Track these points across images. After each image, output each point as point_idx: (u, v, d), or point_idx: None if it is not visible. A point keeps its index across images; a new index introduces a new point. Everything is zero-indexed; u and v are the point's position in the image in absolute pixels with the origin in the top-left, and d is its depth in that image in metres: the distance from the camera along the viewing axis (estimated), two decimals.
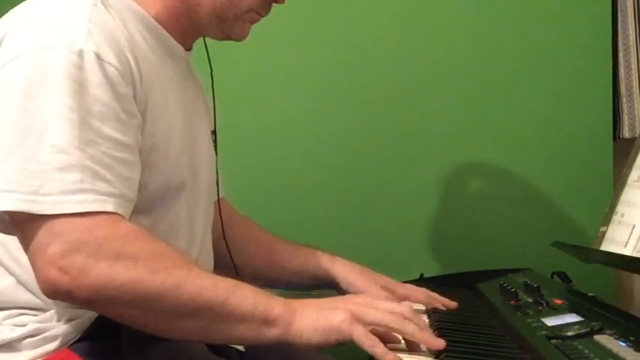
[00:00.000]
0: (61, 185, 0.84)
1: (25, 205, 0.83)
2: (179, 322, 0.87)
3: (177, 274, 0.86)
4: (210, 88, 1.21)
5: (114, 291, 0.83)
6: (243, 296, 0.88)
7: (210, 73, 1.20)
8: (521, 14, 1.78)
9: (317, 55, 1.79)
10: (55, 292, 0.84)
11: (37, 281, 0.85)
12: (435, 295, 1.26)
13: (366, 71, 1.78)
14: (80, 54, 0.88)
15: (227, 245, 1.24)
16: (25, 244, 0.86)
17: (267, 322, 0.87)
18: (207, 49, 1.18)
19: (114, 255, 0.84)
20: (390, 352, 0.86)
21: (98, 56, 0.89)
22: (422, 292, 1.27)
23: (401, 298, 1.23)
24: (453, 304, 1.23)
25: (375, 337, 0.88)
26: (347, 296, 0.97)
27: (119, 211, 0.87)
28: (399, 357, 0.85)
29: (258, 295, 0.89)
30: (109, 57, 0.90)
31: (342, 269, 1.28)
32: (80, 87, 0.87)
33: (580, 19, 1.76)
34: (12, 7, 0.98)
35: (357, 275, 1.27)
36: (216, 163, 1.20)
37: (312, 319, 0.88)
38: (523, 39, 1.78)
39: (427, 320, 1.09)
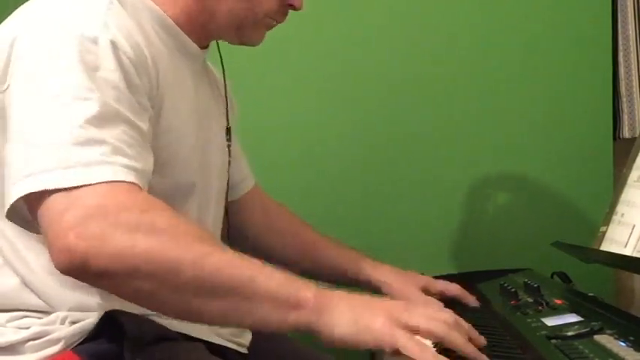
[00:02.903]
0: (83, 158, 0.81)
1: (47, 183, 0.80)
2: (200, 300, 0.81)
3: (201, 246, 0.82)
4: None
5: (133, 260, 0.78)
6: (271, 276, 0.83)
7: (222, 74, 1.21)
8: (521, 14, 1.78)
9: (326, 56, 1.79)
10: (70, 262, 0.79)
11: (51, 252, 0.80)
12: (466, 292, 1.29)
13: (370, 73, 1.78)
14: (95, 40, 0.88)
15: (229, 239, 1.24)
16: (42, 218, 0.82)
17: (296, 304, 0.82)
18: (219, 52, 1.18)
19: (134, 223, 0.80)
20: (439, 356, 0.82)
21: (114, 44, 0.89)
22: (456, 287, 1.30)
23: (437, 294, 1.26)
24: (477, 303, 1.27)
25: (422, 343, 0.83)
26: (384, 299, 0.93)
27: (140, 184, 0.85)
28: None
29: (286, 277, 0.84)
30: (125, 47, 0.90)
31: (384, 274, 1.30)
32: (94, 72, 0.86)
33: (580, 19, 1.76)
34: (12, 7, 0.98)
35: (399, 279, 1.29)
36: (229, 160, 1.20)
37: (350, 316, 0.84)
38: (523, 39, 1.78)
39: None
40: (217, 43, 1.17)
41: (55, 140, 0.82)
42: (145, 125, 0.90)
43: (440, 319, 0.88)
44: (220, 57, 1.19)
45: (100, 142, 0.83)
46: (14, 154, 0.85)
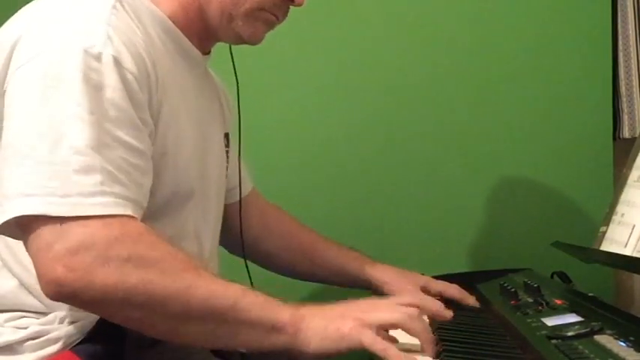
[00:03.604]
0: (80, 187, 0.82)
1: (43, 207, 0.81)
2: (187, 326, 0.86)
3: (188, 277, 0.86)
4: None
5: (124, 292, 0.81)
6: (252, 302, 0.88)
7: (235, 80, 1.21)
8: (521, 14, 1.78)
9: (327, 57, 1.79)
10: (59, 293, 0.81)
11: (40, 281, 0.82)
12: (466, 293, 1.30)
13: (371, 73, 1.79)
14: (98, 57, 0.87)
15: (243, 246, 1.26)
16: (30, 244, 0.83)
17: (275, 328, 0.87)
18: (232, 55, 1.18)
19: (125, 255, 0.82)
20: (403, 353, 0.86)
21: (117, 60, 0.88)
22: (455, 289, 1.31)
23: (435, 295, 1.26)
24: (477, 303, 1.28)
25: (385, 340, 0.88)
26: (351, 302, 0.96)
27: (133, 214, 0.86)
28: (413, 357, 0.85)
29: (266, 302, 0.89)
30: (128, 63, 0.89)
31: (385, 273, 1.32)
32: (97, 90, 0.86)
33: (580, 19, 1.76)
34: (12, 7, 0.98)
35: (399, 279, 1.31)
36: (239, 164, 1.20)
37: (322, 328, 0.88)
38: (523, 39, 1.78)
39: (427, 319, 1.09)
40: (230, 48, 1.17)
41: (55, 163, 0.82)
42: (143, 144, 0.90)
43: (402, 312, 0.92)
44: (233, 62, 1.19)
45: (98, 169, 0.83)
46: (10, 168, 0.84)
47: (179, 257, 0.87)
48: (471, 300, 1.29)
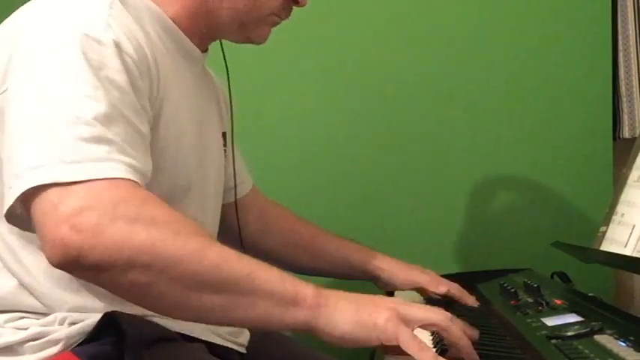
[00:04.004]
0: (89, 155, 0.80)
1: (51, 176, 0.78)
2: (199, 294, 0.79)
3: (200, 239, 0.80)
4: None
5: (130, 251, 0.76)
6: (269, 272, 0.82)
7: (227, 76, 1.21)
8: (521, 14, 1.78)
9: (326, 56, 1.79)
10: (64, 255, 0.76)
11: (45, 246, 0.78)
12: (465, 292, 1.29)
13: (371, 72, 1.79)
14: (99, 40, 0.87)
15: (242, 243, 1.25)
16: (35, 211, 0.79)
17: (295, 301, 0.81)
18: (223, 52, 1.18)
19: (132, 215, 0.78)
20: (438, 357, 0.81)
21: (117, 45, 0.88)
22: (455, 287, 1.31)
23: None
24: (476, 303, 1.27)
25: (422, 341, 0.82)
26: (383, 296, 0.93)
27: (140, 182, 0.83)
28: None
29: (285, 275, 0.83)
30: (128, 48, 0.89)
31: (388, 264, 1.32)
32: (99, 71, 0.85)
33: (580, 19, 1.76)
34: (13, 6, 0.98)
35: (402, 270, 1.32)
36: (233, 162, 1.20)
37: (352, 311, 0.82)
38: (523, 39, 1.78)
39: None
40: (221, 44, 1.17)
41: (62, 135, 0.81)
42: (144, 128, 0.90)
43: (440, 313, 0.89)
44: (225, 60, 1.19)
45: (107, 140, 0.82)
46: (19, 148, 0.83)
47: (189, 222, 0.83)
48: (470, 300, 1.29)
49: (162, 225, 0.79)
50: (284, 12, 1.08)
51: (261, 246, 1.35)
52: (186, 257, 0.78)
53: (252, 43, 1.10)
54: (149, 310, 0.88)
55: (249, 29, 1.07)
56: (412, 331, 0.84)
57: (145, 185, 0.87)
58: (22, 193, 0.79)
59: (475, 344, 0.90)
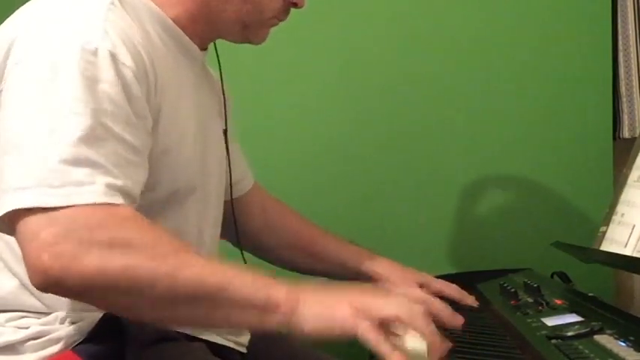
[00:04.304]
0: (71, 178, 0.81)
1: (35, 199, 0.80)
2: (176, 309, 0.84)
3: (174, 260, 0.83)
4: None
5: (107, 279, 0.79)
6: (243, 282, 0.84)
7: (219, 74, 1.21)
8: (521, 14, 1.78)
9: (325, 55, 1.79)
10: (46, 281, 0.80)
11: (28, 271, 0.81)
12: (465, 293, 1.29)
13: (370, 72, 1.79)
14: (95, 52, 0.87)
15: (239, 240, 1.26)
16: (19, 235, 0.82)
17: (269, 308, 0.84)
18: (216, 51, 1.18)
19: (107, 240, 0.80)
20: (395, 350, 0.82)
21: (113, 56, 0.88)
22: (454, 288, 1.30)
23: (435, 293, 1.25)
24: (475, 303, 1.27)
25: (381, 333, 0.84)
26: (354, 289, 0.94)
27: (122, 203, 0.84)
28: (404, 355, 0.82)
29: (258, 281, 0.85)
30: (125, 57, 0.89)
31: (384, 268, 1.32)
32: (92, 84, 0.86)
33: (580, 19, 1.76)
34: (13, 6, 0.98)
35: (397, 273, 1.30)
36: (229, 165, 1.20)
37: (317, 309, 0.85)
38: (523, 39, 1.78)
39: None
40: (214, 43, 1.17)
41: (49, 156, 0.82)
42: (138, 141, 0.90)
43: (401, 305, 0.87)
44: (217, 56, 1.19)
45: (90, 162, 0.83)
46: (6, 161, 0.84)
47: (166, 241, 0.85)
48: (469, 300, 1.28)
49: (138, 249, 0.82)
50: (283, 14, 1.10)
51: (261, 243, 1.36)
52: (161, 279, 0.81)
53: (251, 43, 1.12)
54: (133, 320, 0.91)
55: (251, 31, 1.08)
56: (376, 324, 0.84)
57: (151, 187, 0.90)
58: (6, 213, 0.82)
59: (475, 344, 0.90)
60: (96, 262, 0.79)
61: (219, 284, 0.84)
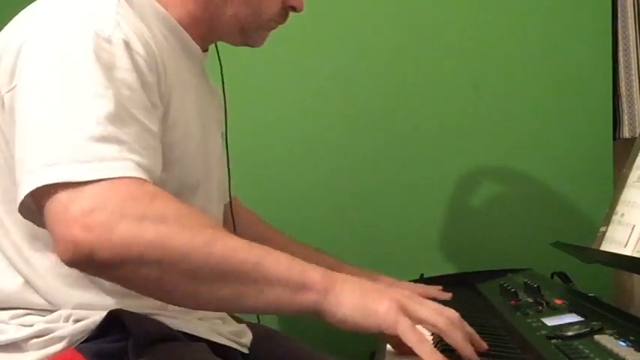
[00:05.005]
0: (100, 154, 0.81)
1: (65, 175, 0.80)
2: (209, 286, 0.81)
3: (208, 232, 0.82)
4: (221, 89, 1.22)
5: (140, 248, 0.78)
6: (278, 259, 0.84)
7: (221, 76, 1.21)
8: (521, 14, 1.78)
9: (320, 56, 1.80)
10: (76, 253, 0.78)
11: (57, 246, 0.80)
12: (434, 292, 1.27)
13: (369, 72, 1.79)
14: (109, 40, 0.88)
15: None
16: (47, 210, 0.81)
17: (304, 286, 0.83)
18: (217, 52, 1.19)
19: (140, 212, 0.79)
20: (437, 351, 0.82)
21: (127, 44, 0.89)
22: (420, 286, 1.30)
23: None
24: (448, 296, 1.24)
25: (422, 333, 0.83)
26: (393, 283, 0.93)
27: (149, 180, 0.85)
28: (445, 358, 0.81)
29: (293, 260, 0.85)
30: (137, 46, 0.90)
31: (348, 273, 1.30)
32: (109, 70, 0.87)
33: (580, 19, 1.76)
34: (12, 7, 0.98)
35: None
36: (228, 165, 1.21)
37: (356, 296, 0.84)
38: (523, 39, 1.78)
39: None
40: (216, 45, 1.18)
41: (74, 134, 0.82)
42: (154, 126, 0.91)
43: (445, 315, 0.88)
44: (219, 60, 1.20)
45: (117, 140, 0.83)
46: (31, 145, 0.84)
47: (197, 214, 0.85)
48: (445, 296, 1.26)
49: (171, 220, 0.81)
50: (281, 17, 1.11)
51: None
52: (195, 251, 0.80)
53: (249, 46, 1.13)
54: (162, 301, 0.89)
55: (249, 34, 1.10)
56: (414, 324, 0.84)
57: (160, 181, 0.89)
58: (35, 189, 0.81)
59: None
60: (129, 232, 0.78)
61: (254, 259, 0.82)
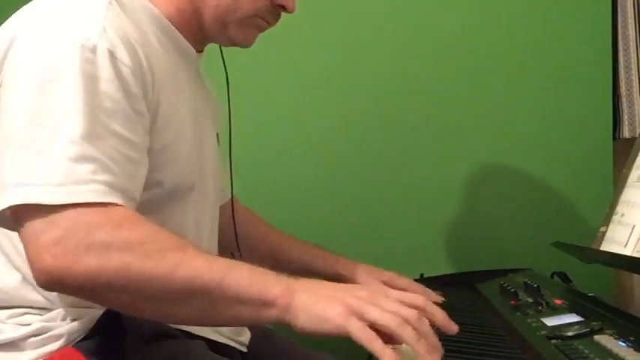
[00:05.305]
0: (73, 176, 0.83)
1: (38, 196, 0.82)
2: (174, 306, 0.85)
3: (171, 257, 0.84)
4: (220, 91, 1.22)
5: (106, 277, 0.82)
6: (239, 277, 0.85)
7: (225, 77, 1.21)
8: (521, 14, 1.78)
9: (324, 55, 1.79)
10: (48, 280, 0.83)
11: (32, 270, 0.84)
12: (430, 292, 1.26)
13: (369, 72, 1.79)
14: (93, 50, 0.88)
15: (238, 245, 1.26)
16: (22, 233, 0.84)
17: (266, 302, 0.84)
18: (222, 53, 1.19)
19: (106, 241, 0.82)
20: (388, 348, 0.81)
21: (112, 53, 0.89)
22: (418, 286, 1.29)
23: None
24: (440, 299, 1.23)
25: (372, 332, 0.83)
26: (352, 286, 0.93)
27: (121, 201, 0.86)
28: (397, 354, 0.81)
29: (255, 275, 0.86)
30: (122, 55, 0.90)
31: (346, 269, 1.31)
32: (92, 82, 0.87)
33: (580, 19, 1.76)
34: (12, 7, 0.98)
35: (361, 274, 1.30)
36: (230, 165, 1.21)
37: (310, 305, 0.84)
38: (523, 39, 1.78)
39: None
40: (220, 48, 1.17)
41: (51, 153, 0.84)
42: (137, 137, 0.91)
43: (401, 314, 0.85)
44: (223, 60, 1.19)
45: (91, 159, 0.84)
46: (8, 159, 0.85)
47: (163, 238, 0.86)
48: (434, 297, 1.24)
49: (135, 248, 0.84)
50: (270, 16, 1.09)
51: (229, 250, 1.35)
52: (158, 277, 0.83)
53: (236, 45, 1.11)
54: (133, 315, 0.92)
55: (231, 30, 1.07)
56: (368, 324, 0.83)
57: (152, 185, 0.91)
58: (8, 207, 0.83)
59: (475, 344, 0.89)
60: (95, 262, 0.81)
61: (215, 281, 0.84)
